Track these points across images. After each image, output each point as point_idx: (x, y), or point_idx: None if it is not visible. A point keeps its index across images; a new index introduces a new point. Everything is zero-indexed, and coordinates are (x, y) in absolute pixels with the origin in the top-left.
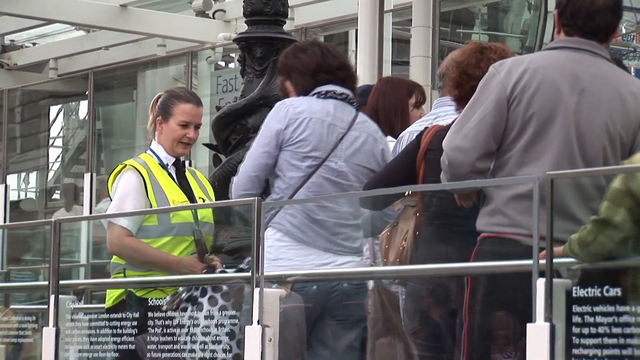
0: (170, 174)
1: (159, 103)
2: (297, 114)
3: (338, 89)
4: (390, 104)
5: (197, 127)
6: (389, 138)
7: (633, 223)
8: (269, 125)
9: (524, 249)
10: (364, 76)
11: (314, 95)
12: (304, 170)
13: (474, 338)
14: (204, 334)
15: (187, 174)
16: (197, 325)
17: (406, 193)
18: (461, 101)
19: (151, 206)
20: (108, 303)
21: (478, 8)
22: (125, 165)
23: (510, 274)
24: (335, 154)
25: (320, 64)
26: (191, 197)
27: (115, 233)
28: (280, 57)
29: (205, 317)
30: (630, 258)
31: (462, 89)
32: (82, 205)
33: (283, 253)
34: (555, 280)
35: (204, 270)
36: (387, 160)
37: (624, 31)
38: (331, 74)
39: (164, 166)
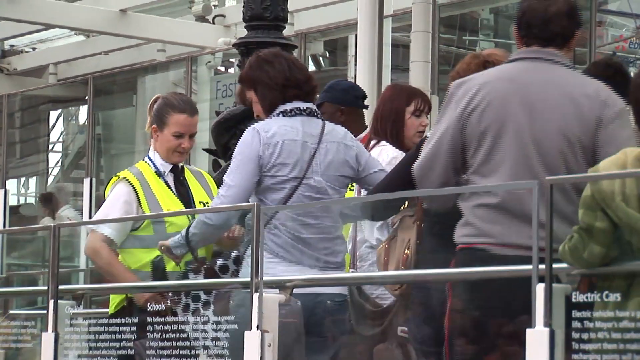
0: (167, 182)
1: (154, 109)
2: (270, 139)
3: (302, 105)
4: (387, 110)
5: (192, 135)
6: (383, 143)
7: (613, 224)
8: (246, 153)
9: (492, 257)
10: (364, 81)
11: (279, 114)
12: (284, 192)
13: (455, 348)
14: (204, 337)
15: (190, 177)
16: (197, 330)
17: (402, 207)
18: None
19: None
20: (111, 309)
21: (478, 13)
22: (119, 177)
23: (489, 281)
24: (311, 170)
25: (288, 79)
26: (189, 203)
27: (92, 237)
28: (245, 68)
29: (204, 323)
30: (627, 263)
31: None
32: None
33: (270, 268)
34: (554, 285)
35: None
36: (361, 162)
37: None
38: (299, 88)
39: (160, 174)
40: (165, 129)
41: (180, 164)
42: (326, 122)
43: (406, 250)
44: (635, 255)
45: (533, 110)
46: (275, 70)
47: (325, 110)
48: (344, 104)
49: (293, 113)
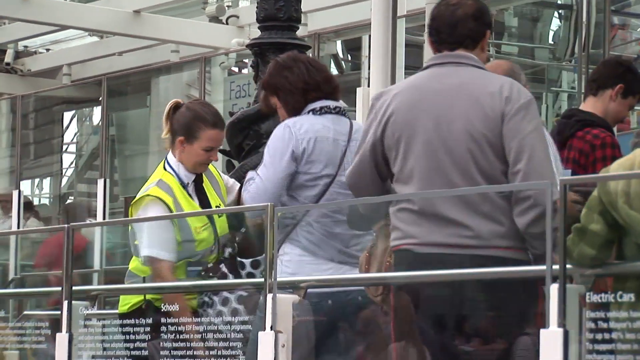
0: (189, 194)
1: (179, 119)
2: (303, 135)
3: (331, 104)
4: None
5: (218, 148)
6: None
7: (608, 227)
8: (279, 148)
9: (416, 256)
10: (377, 82)
11: (309, 112)
12: (318, 188)
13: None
14: (217, 337)
15: (206, 181)
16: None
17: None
18: None
19: (176, 237)
20: (123, 309)
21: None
22: (152, 197)
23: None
24: (343, 167)
25: (307, 82)
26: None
27: (167, 268)
28: (265, 75)
29: (217, 324)
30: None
31: None
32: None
33: (301, 268)
34: (568, 285)
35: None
36: None
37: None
38: (319, 90)
39: (184, 186)
40: (196, 143)
41: None
42: (353, 122)
43: (388, 258)
44: None
45: (439, 115)
46: (294, 75)
47: None
48: None
49: (323, 111)
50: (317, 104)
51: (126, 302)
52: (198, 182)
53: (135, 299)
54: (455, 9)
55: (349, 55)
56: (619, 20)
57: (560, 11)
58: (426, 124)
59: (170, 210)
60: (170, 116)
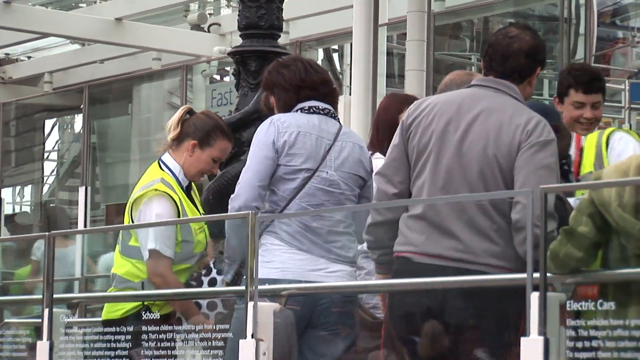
0: (187, 196)
1: (197, 124)
2: (285, 128)
3: (321, 105)
4: (382, 120)
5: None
6: (377, 155)
7: (596, 230)
8: (262, 140)
9: (414, 265)
10: (359, 89)
11: (297, 110)
12: (297, 182)
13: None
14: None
15: (194, 188)
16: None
17: None
18: None
19: (176, 236)
20: (115, 314)
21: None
22: (157, 191)
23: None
24: (325, 164)
25: (303, 80)
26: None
27: (164, 265)
28: (265, 73)
29: (199, 331)
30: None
31: None
32: None
33: (277, 256)
34: (549, 294)
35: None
36: (371, 169)
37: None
38: (314, 89)
39: (182, 188)
40: (208, 150)
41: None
42: (342, 125)
43: None
44: (630, 262)
45: (467, 132)
46: (291, 72)
47: None
48: None
49: (311, 111)
50: (307, 104)
51: (119, 308)
52: (189, 190)
53: (131, 304)
54: (512, 42)
55: (330, 63)
56: (621, 34)
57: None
58: (452, 137)
59: (177, 207)
60: (181, 120)
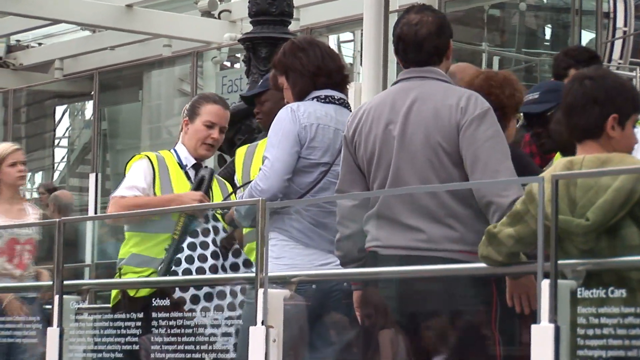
0: (187, 175)
1: (187, 106)
2: (306, 119)
3: (336, 94)
4: None
5: (222, 130)
6: None
7: (517, 241)
8: (289, 131)
9: (381, 257)
10: (369, 76)
11: (313, 99)
12: (313, 176)
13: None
14: (213, 327)
15: (215, 184)
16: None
17: None
18: None
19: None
20: (112, 302)
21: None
22: (141, 155)
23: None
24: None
25: (320, 67)
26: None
27: (111, 203)
28: (279, 54)
29: (210, 318)
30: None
31: None
32: None
33: (286, 252)
34: (560, 281)
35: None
36: None
37: None
38: (330, 77)
39: (182, 166)
40: (197, 119)
41: (209, 172)
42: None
43: None
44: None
45: (403, 128)
46: (308, 58)
47: (269, 97)
48: None
49: (327, 100)
50: (323, 92)
51: (113, 295)
52: (197, 169)
53: (115, 291)
54: (418, 30)
55: (341, 50)
56: None
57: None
58: (391, 135)
59: (152, 165)
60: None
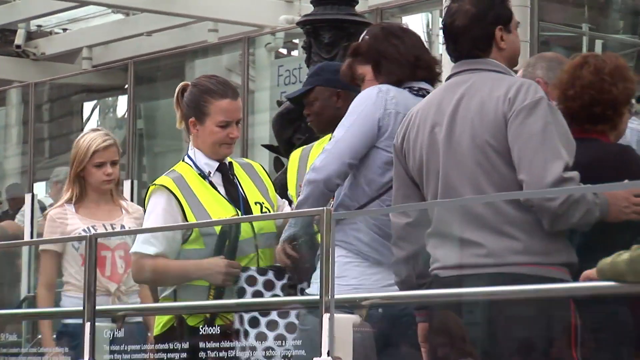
0: (212, 184)
1: (187, 100)
2: (394, 106)
3: (430, 89)
4: None
5: (238, 122)
6: None
7: None
8: (368, 112)
9: (442, 280)
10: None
11: (406, 88)
12: (389, 176)
13: None
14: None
15: (240, 173)
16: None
17: None
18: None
19: (187, 232)
20: (156, 330)
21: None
22: (155, 186)
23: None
24: None
25: (419, 58)
26: (242, 205)
27: (134, 260)
28: (367, 39)
29: (266, 349)
30: None
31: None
32: None
33: (348, 270)
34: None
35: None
36: None
37: None
38: (429, 70)
39: (204, 176)
40: (208, 120)
41: (228, 159)
42: None
43: None
44: None
45: (451, 128)
46: (406, 46)
47: (318, 95)
48: (340, 87)
49: (421, 93)
50: (416, 84)
51: (159, 322)
52: (226, 172)
53: (165, 317)
54: (454, 21)
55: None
56: None
57: None
58: (438, 139)
59: (177, 198)
60: (179, 101)
